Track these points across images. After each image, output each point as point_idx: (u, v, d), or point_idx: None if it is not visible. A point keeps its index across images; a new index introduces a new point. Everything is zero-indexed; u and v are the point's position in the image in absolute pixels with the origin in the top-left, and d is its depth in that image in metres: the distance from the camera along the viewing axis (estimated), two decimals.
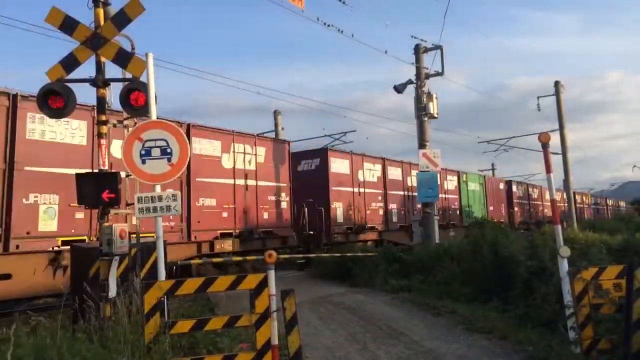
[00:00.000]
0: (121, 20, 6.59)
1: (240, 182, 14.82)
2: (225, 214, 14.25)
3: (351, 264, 14.06)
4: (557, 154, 26.73)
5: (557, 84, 27.98)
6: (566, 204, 34.38)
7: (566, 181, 27.63)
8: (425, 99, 17.59)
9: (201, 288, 5.22)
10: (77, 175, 6.51)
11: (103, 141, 6.69)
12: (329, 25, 16.03)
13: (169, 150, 6.25)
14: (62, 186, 10.10)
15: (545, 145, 6.75)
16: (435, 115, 17.87)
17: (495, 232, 11.37)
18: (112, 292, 6.04)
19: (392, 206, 22.28)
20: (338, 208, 18.94)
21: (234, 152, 14.74)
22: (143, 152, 6.22)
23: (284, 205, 16.54)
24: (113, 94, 6.98)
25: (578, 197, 34.88)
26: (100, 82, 6.72)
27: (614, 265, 6.66)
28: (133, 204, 6.31)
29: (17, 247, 9.55)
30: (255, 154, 15.57)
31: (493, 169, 48.61)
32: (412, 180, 23.14)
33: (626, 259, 8.41)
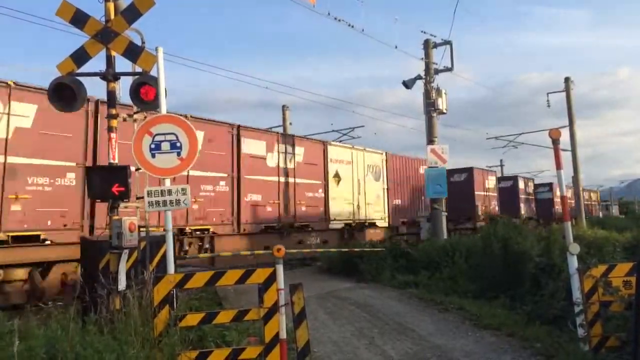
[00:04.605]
0: (131, 14, 6.61)
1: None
2: None
3: (358, 259, 14.06)
4: (566, 150, 26.59)
5: (567, 80, 27.83)
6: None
7: (575, 178, 27.50)
8: (434, 95, 17.50)
9: (210, 281, 5.25)
10: (88, 168, 6.56)
11: (113, 135, 6.72)
12: (339, 20, 16.00)
13: (178, 145, 6.29)
14: None
15: (555, 142, 6.71)
16: (444, 111, 17.78)
17: (507, 228, 11.34)
18: (122, 285, 6.09)
19: None
20: None
21: None
22: (153, 146, 6.26)
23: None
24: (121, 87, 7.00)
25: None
26: (110, 75, 6.75)
27: (623, 263, 6.64)
28: (142, 197, 6.35)
29: None
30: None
31: (502, 166, 48.42)
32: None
33: (636, 256, 8.37)
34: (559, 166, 6.77)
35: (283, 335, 5.11)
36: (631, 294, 5.77)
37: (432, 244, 15.06)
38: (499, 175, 38.07)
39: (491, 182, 31.04)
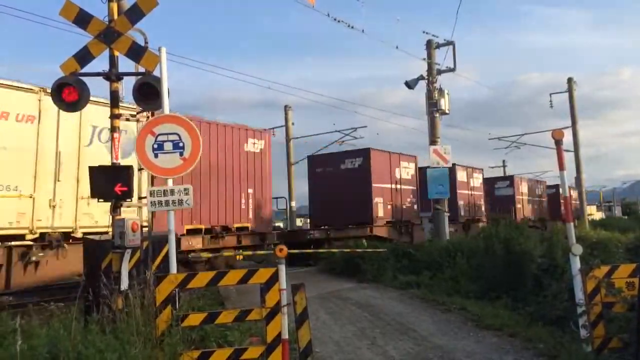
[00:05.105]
0: (135, 14, 6.61)
1: None
2: None
3: (360, 259, 14.06)
4: (569, 151, 26.56)
5: (570, 80, 27.81)
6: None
7: (578, 178, 27.47)
8: (436, 95, 17.51)
9: (213, 281, 5.25)
10: (91, 168, 6.57)
11: (116, 135, 6.72)
12: (339, 21, 16.02)
13: (181, 145, 6.28)
14: None
15: (558, 142, 6.70)
16: (447, 111, 17.81)
17: (509, 228, 11.34)
18: (125, 284, 6.10)
19: None
20: None
21: None
22: (155, 146, 6.26)
23: None
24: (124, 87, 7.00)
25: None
26: (113, 76, 6.75)
27: (626, 264, 6.62)
28: (145, 197, 6.36)
29: None
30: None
31: (504, 166, 48.31)
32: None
33: (639, 258, 8.35)
34: (561, 167, 6.76)
35: (285, 335, 5.11)
36: (634, 295, 5.76)
37: (434, 244, 15.06)
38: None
39: (408, 171, 21.98)
